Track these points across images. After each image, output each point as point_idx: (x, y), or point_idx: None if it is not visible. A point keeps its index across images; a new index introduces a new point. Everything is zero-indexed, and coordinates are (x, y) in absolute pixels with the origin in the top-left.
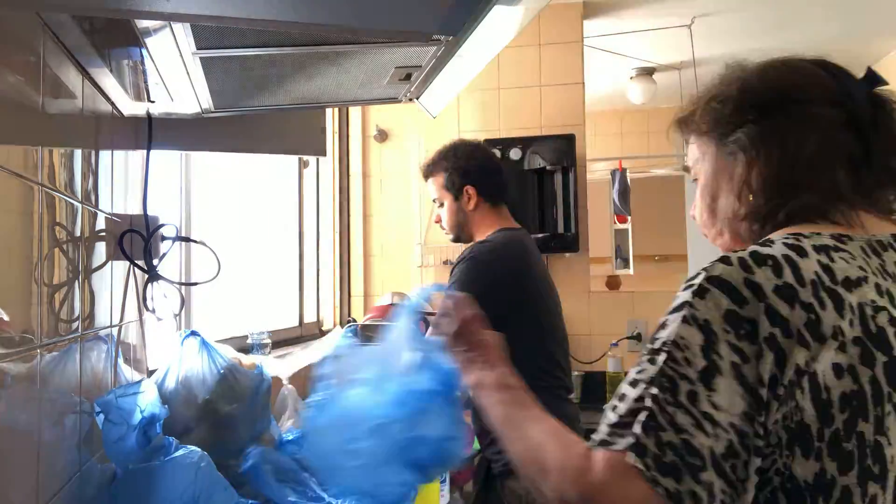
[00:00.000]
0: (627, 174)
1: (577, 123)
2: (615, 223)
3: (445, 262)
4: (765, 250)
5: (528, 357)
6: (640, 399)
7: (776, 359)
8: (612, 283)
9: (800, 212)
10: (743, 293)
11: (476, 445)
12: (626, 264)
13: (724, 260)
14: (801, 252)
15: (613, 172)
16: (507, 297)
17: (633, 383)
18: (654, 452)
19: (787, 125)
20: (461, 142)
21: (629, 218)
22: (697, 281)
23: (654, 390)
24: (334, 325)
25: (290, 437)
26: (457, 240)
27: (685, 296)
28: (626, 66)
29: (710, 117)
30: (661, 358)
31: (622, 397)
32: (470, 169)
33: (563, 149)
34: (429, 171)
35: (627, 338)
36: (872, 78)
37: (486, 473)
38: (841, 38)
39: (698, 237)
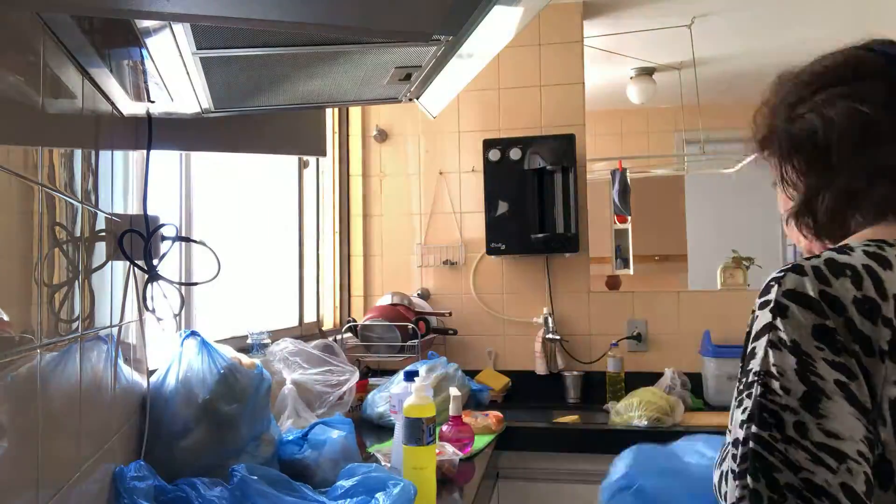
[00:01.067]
0: (627, 174)
1: (577, 123)
2: (615, 223)
3: (445, 262)
4: (842, 258)
5: None
6: (745, 441)
7: (864, 379)
8: (612, 283)
9: (881, 204)
10: (822, 306)
11: (477, 445)
12: (626, 264)
13: (796, 269)
14: (885, 263)
15: (613, 172)
16: None
17: (741, 424)
18: (771, 497)
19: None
20: None
21: (629, 218)
22: (772, 296)
23: (756, 428)
24: (334, 325)
25: (290, 438)
26: None
27: (765, 317)
28: (626, 66)
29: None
30: (758, 391)
31: (735, 442)
32: None
33: (563, 149)
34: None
35: (627, 338)
36: None
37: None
38: (842, 38)
39: (698, 237)
